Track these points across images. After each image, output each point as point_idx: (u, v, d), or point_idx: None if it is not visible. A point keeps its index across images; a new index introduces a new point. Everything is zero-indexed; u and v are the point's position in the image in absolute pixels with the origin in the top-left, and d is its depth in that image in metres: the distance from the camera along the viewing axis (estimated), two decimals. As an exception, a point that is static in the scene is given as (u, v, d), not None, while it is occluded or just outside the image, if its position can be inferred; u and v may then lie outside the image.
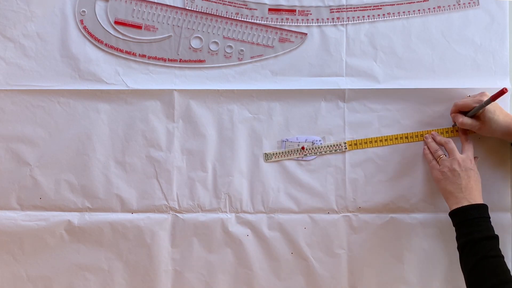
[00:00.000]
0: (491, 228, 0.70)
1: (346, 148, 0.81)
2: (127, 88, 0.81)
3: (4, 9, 0.82)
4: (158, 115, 0.81)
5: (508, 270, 0.66)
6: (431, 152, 0.78)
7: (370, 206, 0.80)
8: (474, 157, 0.76)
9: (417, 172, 0.80)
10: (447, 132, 0.80)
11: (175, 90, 0.81)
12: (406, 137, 0.81)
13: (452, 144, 0.76)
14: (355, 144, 0.81)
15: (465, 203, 0.71)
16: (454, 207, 0.71)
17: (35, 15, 0.82)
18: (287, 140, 0.81)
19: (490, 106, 0.72)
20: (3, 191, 0.81)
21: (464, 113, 0.76)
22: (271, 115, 0.82)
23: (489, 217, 0.71)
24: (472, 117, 0.75)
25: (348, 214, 0.81)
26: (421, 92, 0.80)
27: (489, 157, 0.80)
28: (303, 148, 0.81)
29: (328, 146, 0.81)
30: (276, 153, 0.81)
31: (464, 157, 0.74)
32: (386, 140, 0.81)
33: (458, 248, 0.70)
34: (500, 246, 0.69)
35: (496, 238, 0.69)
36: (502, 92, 0.70)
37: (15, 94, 0.81)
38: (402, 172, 0.80)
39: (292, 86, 0.81)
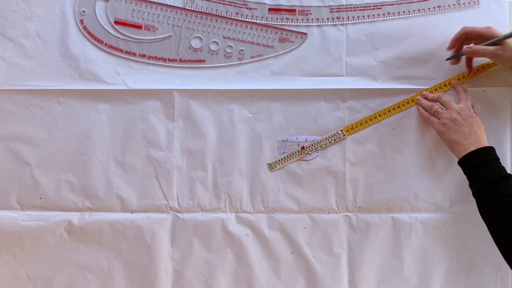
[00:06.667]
0: (503, 168, 0.69)
1: (344, 135, 0.80)
2: (127, 88, 0.81)
3: (4, 9, 0.82)
4: (158, 115, 0.81)
5: None
6: (426, 110, 0.77)
7: (370, 206, 0.80)
8: (472, 106, 0.75)
9: (418, 172, 0.80)
10: (440, 87, 0.80)
11: (175, 90, 0.81)
12: (399, 107, 0.80)
13: (446, 97, 0.76)
14: (352, 129, 0.80)
15: (472, 148, 0.70)
16: (462, 154, 0.70)
17: (35, 15, 0.82)
18: (287, 140, 0.81)
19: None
20: (3, 191, 0.81)
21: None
22: (271, 115, 0.82)
23: (499, 159, 0.70)
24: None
25: (348, 214, 0.81)
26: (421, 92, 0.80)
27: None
28: (303, 148, 0.81)
29: (326, 138, 0.81)
30: (279, 160, 0.81)
31: (462, 106, 0.73)
32: (380, 115, 0.80)
33: (474, 194, 0.69)
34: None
35: (510, 176, 0.67)
36: None
37: (15, 94, 0.81)
38: (402, 171, 0.80)
39: (292, 86, 0.81)
